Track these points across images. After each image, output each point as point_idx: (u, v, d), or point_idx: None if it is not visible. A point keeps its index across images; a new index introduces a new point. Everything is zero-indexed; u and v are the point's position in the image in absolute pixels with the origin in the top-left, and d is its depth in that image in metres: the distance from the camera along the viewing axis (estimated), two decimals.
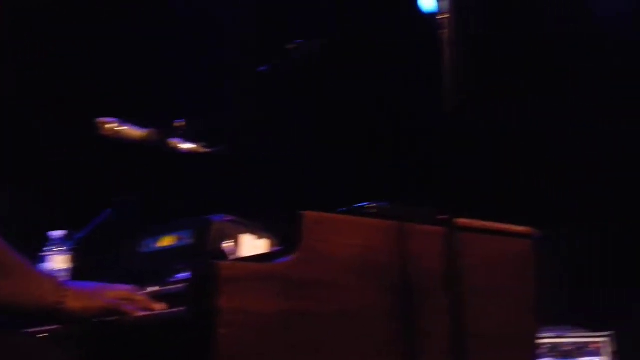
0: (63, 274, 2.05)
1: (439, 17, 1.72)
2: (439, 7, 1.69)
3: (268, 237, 1.96)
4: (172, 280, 1.86)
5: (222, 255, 1.76)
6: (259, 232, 1.91)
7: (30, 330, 1.66)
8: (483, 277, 1.78)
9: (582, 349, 3.76)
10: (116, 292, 1.63)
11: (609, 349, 3.75)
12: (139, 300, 1.65)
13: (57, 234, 2.11)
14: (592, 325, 3.82)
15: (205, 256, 1.72)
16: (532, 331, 1.91)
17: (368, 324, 1.62)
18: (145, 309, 1.63)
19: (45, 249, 2.12)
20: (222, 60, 3.88)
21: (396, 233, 1.69)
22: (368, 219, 1.69)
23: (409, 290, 1.67)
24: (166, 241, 1.92)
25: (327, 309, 1.55)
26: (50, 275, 1.68)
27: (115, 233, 2.13)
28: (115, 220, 2.24)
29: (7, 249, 1.50)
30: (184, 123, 2.03)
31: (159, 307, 1.63)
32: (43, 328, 1.67)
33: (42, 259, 2.10)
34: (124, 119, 2.01)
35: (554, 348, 3.73)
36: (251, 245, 1.84)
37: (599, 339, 3.78)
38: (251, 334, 1.45)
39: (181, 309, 1.50)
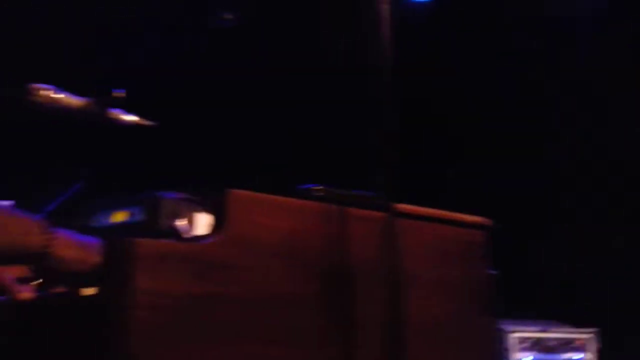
0: None
1: None
2: None
3: None
4: None
5: (176, 233, 1.64)
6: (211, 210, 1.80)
7: None
8: (427, 267, 1.73)
9: (567, 345, 3.67)
10: None
11: (594, 346, 3.70)
12: None
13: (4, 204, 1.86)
14: (577, 320, 3.68)
15: (158, 234, 1.60)
16: (483, 325, 1.85)
17: (297, 311, 1.54)
18: None
19: None
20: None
21: (331, 217, 1.62)
22: (300, 201, 1.60)
23: (342, 277, 1.60)
24: (118, 217, 1.81)
25: (248, 294, 1.48)
26: (36, 218, 1.46)
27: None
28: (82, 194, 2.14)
29: None
30: (124, 94, 1.88)
31: None
32: None
33: None
34: (60, 87, 1.85)
35: (537, 342, 3.62)
36: (205, 223, 1.69)
37: (584, 335, 3.73)
38: (167, 317, 1.37)
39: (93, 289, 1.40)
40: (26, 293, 1.50)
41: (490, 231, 1.85)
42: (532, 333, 3.64)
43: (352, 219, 1.63)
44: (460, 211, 1.83)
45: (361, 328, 1.59)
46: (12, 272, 1.51)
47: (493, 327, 1.88)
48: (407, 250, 1.59)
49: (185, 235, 1.64)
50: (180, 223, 1.65)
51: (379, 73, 1.63)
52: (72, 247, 1.42)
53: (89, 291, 1.42)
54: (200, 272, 1.42)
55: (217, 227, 1.49)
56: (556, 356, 3.63)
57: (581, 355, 3.66)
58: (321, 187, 1.63)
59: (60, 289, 1.49)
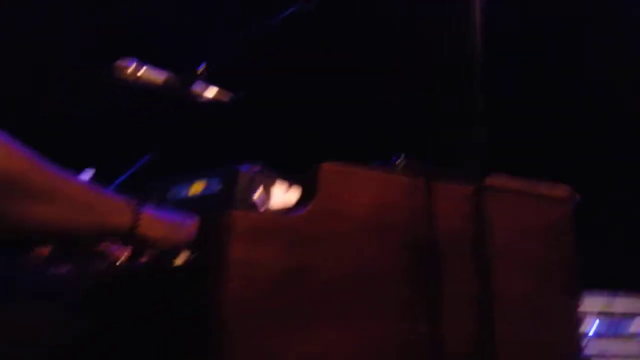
0: None
1: None
2: None
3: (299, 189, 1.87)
4: None
5: (253, 205, 1.65)
6: (289, 183, 1.79)
7: None
8: (514, 241, 1.71)
9: (635, 315, 3.58)
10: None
11: None
12: None
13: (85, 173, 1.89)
14: None
15: (235, 206, 1.59)
16: (568, 300, 1.84)
17: (384, 285, 1.55)
18: None
19: None
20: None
21: (417, 190, 1.61)
22: (389, 174, 1.61)
23: (432, 251, 1.60)
24: (194, 190, 1.82)
25: (337, 267, 1.48)
26: (123, 197, 1.42)
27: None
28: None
29: (42, 169, 1.27)
30: (205, 68, 1.91)
31: None
32: None
33: None
34: (142, 61, 1.89)
35: (603, 312, 3.54)
36: (282, 196, 1.71)
37: None
38: (260, 288, 1.38)
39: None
40: (121, 254, 1.51)
41: (577, 205, 1.84)
42: (598, 302, 3.64)
43: (438, 192, 1.62)
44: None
45: (448, 302, 1.59)
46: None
47: (576, 303, 1.87)
48: (493, 224, 1.59)
49: (262, 208, 1.66)
50: (257, 196, 1.67)
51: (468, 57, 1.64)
52: (159, 225, 1.40)
53: (182, 261, 1.43)
54: (291, 245, 1.43)
55: (306, 199, 1.50)
56: (622, 326, 3.64)
57: None
58: (407, 160, 1.63)
59: (151, 259, 1.49)
